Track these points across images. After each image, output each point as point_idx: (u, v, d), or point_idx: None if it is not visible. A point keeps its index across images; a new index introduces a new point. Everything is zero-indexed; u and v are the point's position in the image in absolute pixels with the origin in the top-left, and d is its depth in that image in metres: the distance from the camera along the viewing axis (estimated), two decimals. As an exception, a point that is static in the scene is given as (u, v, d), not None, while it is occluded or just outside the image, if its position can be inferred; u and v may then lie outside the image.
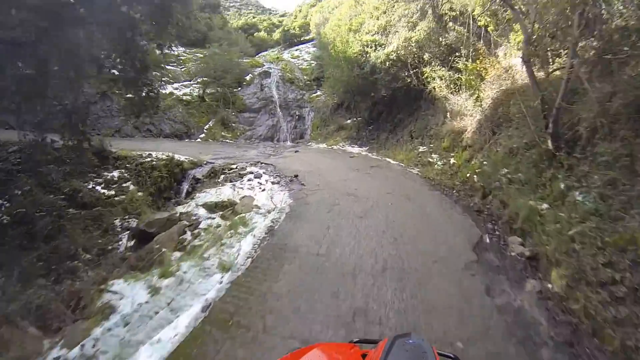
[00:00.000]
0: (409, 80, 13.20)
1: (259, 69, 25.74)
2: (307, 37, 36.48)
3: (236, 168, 9.89)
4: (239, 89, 22.87)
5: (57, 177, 9.77)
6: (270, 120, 21.83)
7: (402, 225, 5.78)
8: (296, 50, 33.62)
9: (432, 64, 12.26)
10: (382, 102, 16.48)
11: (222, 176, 9.59)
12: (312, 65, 27.19)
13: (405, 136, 13.71)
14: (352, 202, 6.88)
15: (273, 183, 7.98)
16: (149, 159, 11.05)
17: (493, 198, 6.59)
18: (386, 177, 9.19)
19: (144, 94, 7.45)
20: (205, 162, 11.31)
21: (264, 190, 7.43)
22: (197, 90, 20.97)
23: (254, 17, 49.90)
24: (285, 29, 39.08)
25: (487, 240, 5.27)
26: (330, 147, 16.68)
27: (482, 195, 6.99)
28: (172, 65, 23.28)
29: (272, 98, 23.01)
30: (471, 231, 5.58)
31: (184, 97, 20.12)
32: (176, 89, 20.67)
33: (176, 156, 11.30)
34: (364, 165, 11.02)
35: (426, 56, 12.47)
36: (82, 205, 9.69)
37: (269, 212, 6.10)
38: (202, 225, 5.83)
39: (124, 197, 10.15)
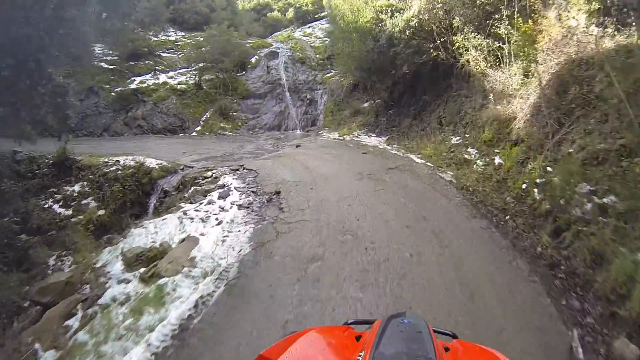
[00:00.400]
0: (435, 54, 10.45)
1: (266, 49, 23.20)
2: (321, 14, 33.44)
3: (210, 177, 7.76)
4: (243, 73, 20.46)
5: (14, 194, 8.17)
6: (277, 107, 19.44)
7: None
8: (309, 27, 30.69)
9: (465, 30, 9.42)
10: (403, 80, 13.88)
11: (192, 188, 7.52)
12: (326, 42, 24.38)
13: (433, 123, 11.05)
14: (344, 254, 4.42)
15: (240, 207, 5.70)
16: (114, 168, 9.14)
17: (574, 239, 4.04)
18: (407, 190, 6.63)
19: (42, 112, 5.32)
20: (181, 167, 9.23)
21: (220, 222, 5.19)
22: (193, 77, 18.77)
23: (268, -2, 46.75)
24: (297, 6, 35.99)
25: (580, 352, 2.81)
26: (342, 137, 14.16)
27: (552, 228, 4.45)
28: (169, 52, 21.16)
29: (279, 81, 20.48)
30: (551, 330, 3.10)
31: (179, 87, 17.93)
32: (171, 77, 18.54)
33: (147, 161, 9.30)
34: (378, 166, 8.53)
35: (456, 21, 9.63)
36: (35, 230, 8.06)
37: (205, 275, 3.89)
38: (105, 298, 3.75)
39: (81, 217, 8.38)
